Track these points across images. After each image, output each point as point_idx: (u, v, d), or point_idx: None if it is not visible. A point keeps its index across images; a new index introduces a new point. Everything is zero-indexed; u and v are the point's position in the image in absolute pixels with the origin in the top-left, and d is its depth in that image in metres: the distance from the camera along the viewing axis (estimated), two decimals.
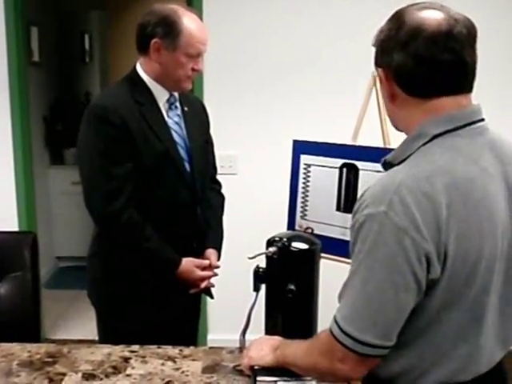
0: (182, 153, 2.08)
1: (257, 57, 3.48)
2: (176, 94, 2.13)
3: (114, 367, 1.64)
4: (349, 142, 2.45)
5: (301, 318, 1.68)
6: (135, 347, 1.75)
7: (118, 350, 1.73)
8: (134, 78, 2.07)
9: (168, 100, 2.09)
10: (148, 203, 2.02)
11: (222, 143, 3.48)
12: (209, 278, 2.16)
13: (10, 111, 3.46)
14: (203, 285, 2.13)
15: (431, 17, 1.20)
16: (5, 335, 1.84)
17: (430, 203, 1.13)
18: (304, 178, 2.40)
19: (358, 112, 2.52)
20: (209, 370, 1.64)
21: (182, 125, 2.12)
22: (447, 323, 1.20)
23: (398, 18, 1.24)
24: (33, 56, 4.58)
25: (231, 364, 1.65)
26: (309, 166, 2.39)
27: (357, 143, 2.48)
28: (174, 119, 2.10)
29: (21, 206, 3.57)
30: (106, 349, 1.74)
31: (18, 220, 3.57)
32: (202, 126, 2.25)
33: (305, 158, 2.40)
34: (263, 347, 1.53)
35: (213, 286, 2.21)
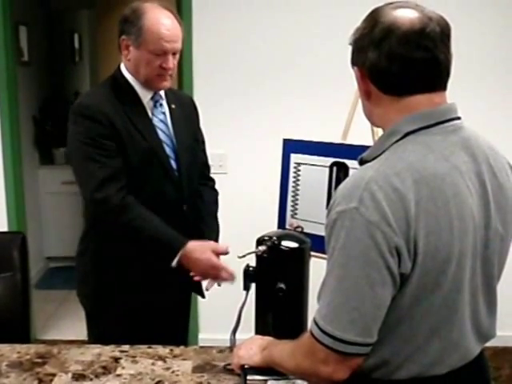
0: (168, 151, 2.08)
1: (246, 56, 3.48)
2: (162, 92, 2.11)
3: (104, 367, 1.64)
4: (339, 141, 2.45)
5: (291, 316, 1.68)
6: (125, 347, 1.75)
7: (108, 350, 1.73)
8: (118, 78, 2.07)
9: (152, 98, 2.08)
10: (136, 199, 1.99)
11: (213, 142, 3.47)
12: (222, 269, 1.96)
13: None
14: (224, 274, 1.96)
15: (404, 15, 1.22)
16: None
17: (400, 199, 1.14)
18: (294, 177, 2.40)
19: (348, 110, 2.53)
20: (199, 369, 1.64)
21: (169, 123, 2.11)
22: (419, 319, 1.21)
23: (372, 17, 1.25)
24: (22, 55, 4.56)
25: (222, 363, 1.66)
26: (299, 164, 2.39)
27: (347, 142, 2.48)
28: (159, 117, 2.09)
29: (10, 207, 3.55)
30: (96, 349, 1.74)
31: (8, 220, 3.55)
32: (190, 123, 2.23)
33: (295, 157, 2.40)
34: (252, 347, 1.53)
35: (219, 284, 2.04)
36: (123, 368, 1.64)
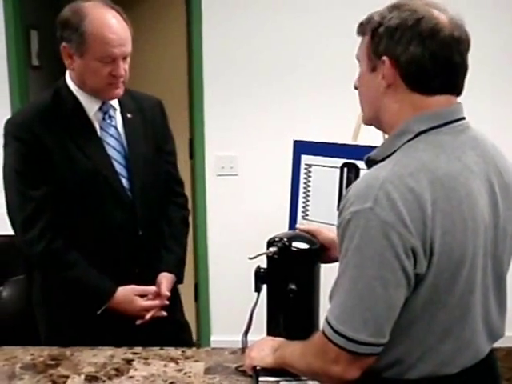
0: (120, 168, 1.88)
1: (256, 58, 3.48)
2: (113, 101, 1.91)
3: (117, 369, 1.65)
4: (349, 142, 2.45)
5: (302, 317, 1.68)
6: (138, 349, 1.75)
7: (121, 352, 1.74)
8: (61, 88, 1.88)
9: (100, 109, 1.88)
10: (77, 227, 1.87)
11: (223, 144, 3.50)
12: (155, 307, 1.92)
13: (10, 115, 3.46)
14: (148, 316, 1.89)
15: (441, 16, 1.22)
16: (8, 338, 1.85)
17: (416, 199, 1.14)
18: (305, 178, 2.40)
19: (358, 111, 2.52)
20: (211, 370, 1.64)
21: (122, 136, 1.91)
22: (432, 320, 1.21)
23: (411, 10, 1.22)
24: (33, 60, 4.58)
25: (233, 365, 1.66)
26: (310, 166, 2.38)
27: (357, 143, 2.48)
28: (108, 131, 1.89)
29: None
30: (109, 351, 1.75)
31: None
32: (152, 132, 1.99)
33: (305, 158, 2.39)
34: (264, 348, 1.53)
35: (163, 315, 1.94)
36: (136, 370, 1.64)
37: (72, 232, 1.86)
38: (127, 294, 1.90)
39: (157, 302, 1.93)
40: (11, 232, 1.92)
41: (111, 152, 1.88)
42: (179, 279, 2.06)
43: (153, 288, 1.94)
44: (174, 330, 2.04)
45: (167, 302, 1.95)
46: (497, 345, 1.36)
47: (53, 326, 1.95)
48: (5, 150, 1.86)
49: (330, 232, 1.67)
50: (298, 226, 1.82)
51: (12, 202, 1.86)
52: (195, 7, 3.41)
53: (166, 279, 1.98)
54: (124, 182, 1.89)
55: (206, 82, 3.48)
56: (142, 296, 1.92)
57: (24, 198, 1.82)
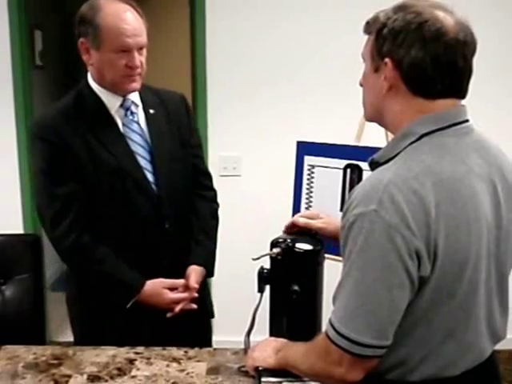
0: (144, 163, 1.91)
1: (259, 59, 3.48)
2: (136, 98, 1.95)
3: (119, 369, 1.65)
4: (352, 143, 2.45)
5: (305, 318, 1.68)
6: (140, 349, 1.75)
7: (123, 352, 1.74)
8: (82, 88, 1.93)
9: (122, 105, 1.91)
10: (104, 222, 1.89)
11: (226, 144, 3.51)
12: (184, 300, 1.94)
13: (14, 115, 3.47)
14: (178, 308, 1.92)
15: (447, 18, 1.21)
16: (10, 337, 1.85)
17: (420, 202, 1.14)
18: (308, 179, 2.40)
19: (361, 112, 2.52)
20: (213, 371, 1.64)
21: (145, 131, 1.94)
22: (435, 321, 1.21)
23: (416, 13, 1.21)
24: (36, 59, 4.59)
25: (236, 365, 1.66)
26: (313, 167, 2.38)
27: (360, 144, 2.48)
28: (130, 127, 1.92)
29: (26, 209, 3.58)
30: (111, 350, 1.75)
31: (23, 222, 3.58)
32: (176, 127, 2.02)
33: (308, 159, 2.39)
34: (267, 348, 1.53)
35: (193, 308, 1.96)
36: (138, 369, 1.65)
37: (99, 227, 1.90)
38: (156, 286, 1.92)
39: (186, 295, 1.94)
40: (14, 231, 1.93)
41: (135, 147, 1.91)
42: (209, 272, 2.06)
43: (181, 281, 1.96)
44: (200, 323, 2.07)
45: (196, 295, 1.96)
46: (499, 347, 1.36)
47: (87, 323, 1.98)
48: (32, 152, 1.95)
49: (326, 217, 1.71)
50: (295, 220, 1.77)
51: (41, 201, 1.92)
52: (199, 9, 3.41)
53: (195, 272, 1.98)
54: (149, 176, 1.92)
55: (209, 82, 3.48)
56: (172, 289, 1.94)
57: (51, 196, 1.87)
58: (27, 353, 1.75)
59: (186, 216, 2.04)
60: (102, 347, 1.77)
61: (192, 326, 1.96)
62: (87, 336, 1.96)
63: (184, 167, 2.02)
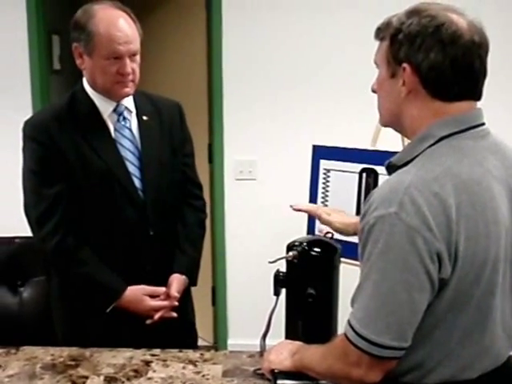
0: (133, 169, 1.91)
1: (275, 63, 3.49)
2: (130, 103, 1.96)
3: (136, 371, 1.66)
4: (368, 147, 2.45)
5: (321, 322, 1.68)
6: (156, 351, 1.76)
7: (140, 354, 1.75)
8: (78, 91, 1.94)
9: (115, 111, 1.92)
10: (89, 224, 1.91)
11: (242, 148, 3.51)
12: (164, 308, 1.93)
13: None
14: (157, 316, 1.91)
15: (461, 21, 1.22)
16: (28, 339, 1.87)
17: (441, 204, 1.14)
18: (324, 183, 2.40)
19: (377, 116, 2.52)
20: (229, 373, 1.64)
21: (137, 137, 1.94)
22: (454, 324, 1.21)
23: (431, 16, 1.21)
24: (54, 64, 4.63)
25: (251, 368, 1.66)
26: (328, 171, 2.39)
27: (376, 148, 2.48)
28: (122, 132, 1.93)
29: None
30: (128, 352, 1.76)
31: None
32: (169, 135, 2.02)
33: (324, 163, 2.40)
34: (283, 351, 1.53)
35: (173, 316, 1.94)
36: (154, 371, 1.66)
37: (85, 229, 1.90)
38: (137, 293, 1.92)
39: (166, 303, 1.94)
40: (31, 234, 1.95)
41: (124, 153, 1.92)
42: (192, 281, 2.06)
43: (162, 289, 1.95)
44: (181, 331, 2.03)
45: (177, 303, 1.95)
46: None
47: (70, 324, 1.98)
48: (23, 151, 1.93)
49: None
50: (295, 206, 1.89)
51: (28, 201, 1.92)
52: (215, 12, 3.43)
53: (176, 280, 1.98)
54: (136, 182, 1.92)
55: (225, 86, 3.49)
56: (153, 296, 1.94)
57: (38, 196, 1.88)
58: (45, 354, 1.77)
59: (172, 224, 2.04)
60: (118, 349, 1.78)
61: (172, 334, 1.93)
62: (70, 336, 1.95)
63: (173, 176, 2.03)
